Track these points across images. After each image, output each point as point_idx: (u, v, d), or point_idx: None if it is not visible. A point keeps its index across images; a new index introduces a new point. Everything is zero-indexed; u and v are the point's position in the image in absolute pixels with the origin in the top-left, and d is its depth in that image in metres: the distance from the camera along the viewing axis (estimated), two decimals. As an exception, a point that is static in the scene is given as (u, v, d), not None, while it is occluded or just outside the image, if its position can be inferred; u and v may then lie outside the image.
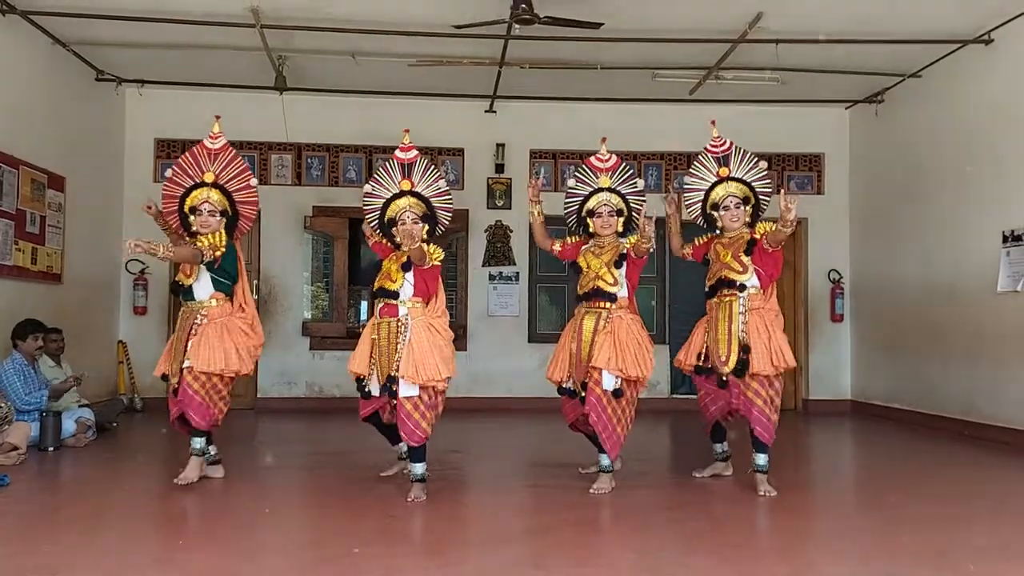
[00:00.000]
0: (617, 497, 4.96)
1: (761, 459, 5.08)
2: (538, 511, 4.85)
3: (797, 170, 10.09)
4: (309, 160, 9.77)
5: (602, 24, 6.79)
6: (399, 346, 4.82)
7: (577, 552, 3.91)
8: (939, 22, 7.34)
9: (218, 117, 5.50)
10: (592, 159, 5.45)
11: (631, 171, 5.44)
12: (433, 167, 5.18)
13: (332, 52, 8.19)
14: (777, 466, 5.32)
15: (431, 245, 4.94)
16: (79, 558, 3.69)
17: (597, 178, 5.36)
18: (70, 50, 8.14)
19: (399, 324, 4.87)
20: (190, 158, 5.33)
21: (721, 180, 5.29)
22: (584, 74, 8.68)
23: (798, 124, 9.93)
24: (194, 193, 5.24)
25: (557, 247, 5.46)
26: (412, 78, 8.73)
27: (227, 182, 5.30)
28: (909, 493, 5.27)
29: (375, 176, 5.16)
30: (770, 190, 5.35)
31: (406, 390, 4.78)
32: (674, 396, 9.80)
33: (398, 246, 5.01)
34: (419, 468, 4.86)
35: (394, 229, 5.00)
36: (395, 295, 4.89)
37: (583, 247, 5.36)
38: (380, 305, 4.95)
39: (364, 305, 10.24)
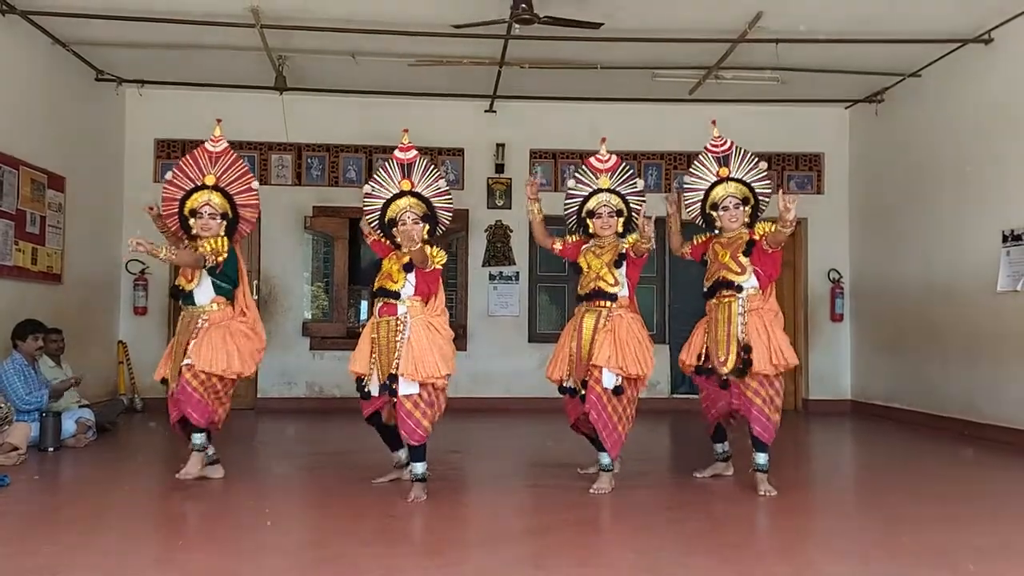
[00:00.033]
0: (617, 497, 4.96)
1: (761, 458, 5.08)
2: (538, 511, 4.85)
3: (797, 170, 10.09)
4: (309, 160, 9.77)
5: (602, 24, 6.79)
6: (398, 344, 4.82)
7: (577, 552, 3.91)
8: (939, 22, 7.34)
9: (219, 120, 5.51)
10: (592, 159, 5.45)
11: (631, 171, 5.44)
12: (433, 167, 5.18)
13: (332, 52, 8.19)
14: (777, 466, 5.32)
15: (434, 248, 4.94)
16: (79, 558, 3.69)
17: (597, 179, 5.36)
18: (70, 50, 8.14)
19: (398, 322, 4.87)
20: (191, 160, 5.33)
21: (721, 180, 5.29)
22: (584, 74, 8.68)
23: (798, 124, 9.93)
24: (195, 195, 5.24)
25: (558, 246, 5.46)
26: (412, 78, 8.73)
27: (228, 185, 5.30)
28: (909, 493, 5.27)
29: (375, 176, 5.15)
30: (770, 191, 5.35)
31: (405, 388, 4.78)
32: (674, 396, 9.80)
33: (398, 246, 5.01)
34: (420, 467, 4.86)
35: (395, 229, 4.99)
36: (396, 295, 4.89)
37: (583, 247, 5.36)
38: (379, 304, 4.95)
39: (364, 305, 10.24)
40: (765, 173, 5.36)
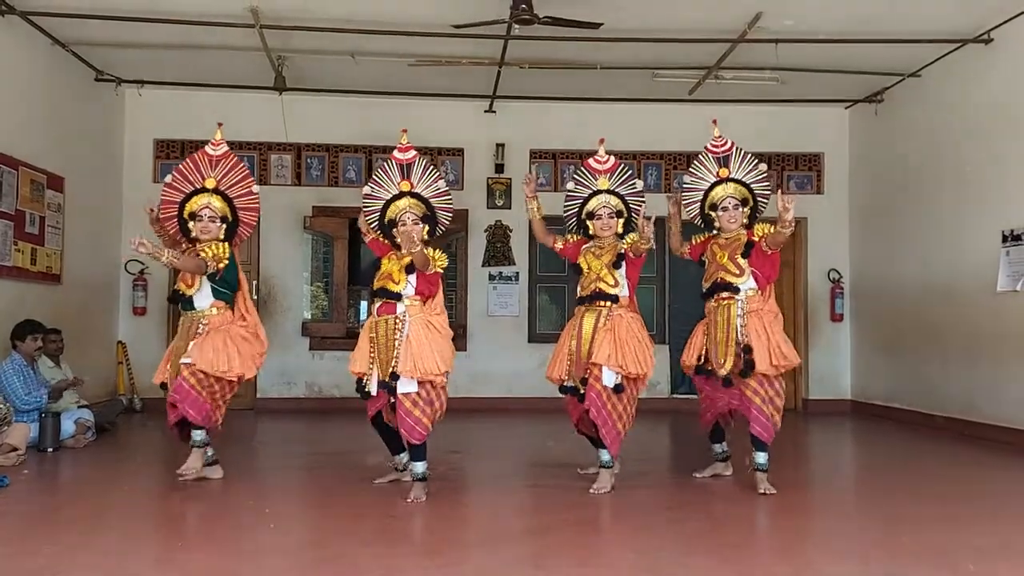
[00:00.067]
0: (617, 497, 4.95)
1: (761, 457, 5.08)
2: (538, 511, 4.85)
3: (797, 170, 10.09)
4: (309, 160, 9.76)
5: (601, 24, 6.79)
6: (397, 343, 4.82)
7: (577, 552, 3.91)
8: (939, 21, 7.34)
9: (220, 124, 5.51)
10: (590, 161, 5.45)
11: (630, 172, 5.44)
12: (432, 167, 5.18)
13: (331, 52, 8.19)
14: (777, 465, 5.31)
15: (436, 251, 4.94)
16: (79, 558, 3.69)
17: (596, 180, 5.36)
18: (69, 51, 8.14)
19: (397, 321, 4.87)
20: (191, 164, 5.33)
21: (721, 181, 5.29)
22: (584, 74, 8.68)
23: (798, 124, 9.93)
24: (195, 199, 5.23)
25: (559, 244, 5.47)
26: (412, 78, 8.73)
27: (229, 188, 5.30)
28: (909, 493, 5.27)
29: (374, 177, 5.15)
30: (769, 192, 5.36)
31: (404, 386, 4.78)
32: (674, 396, 9.80)
33: (398, 246, 5.01)
34: (420, 467, 4.86)
35: (395, 230, 4.99)
36: (398, 297, 4.88)
37: (584, 246, 5.36)
38: (378, 304, 4.95)
39: (364, 305, 10.24)
40: (765, 174, 5.37)
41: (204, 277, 5.16)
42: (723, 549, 3.93)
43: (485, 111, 9.73)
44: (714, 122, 5.53)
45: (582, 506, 4.79)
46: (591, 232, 5.33)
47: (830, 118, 10.00)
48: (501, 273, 9.87)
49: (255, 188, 5.43)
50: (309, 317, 10.00)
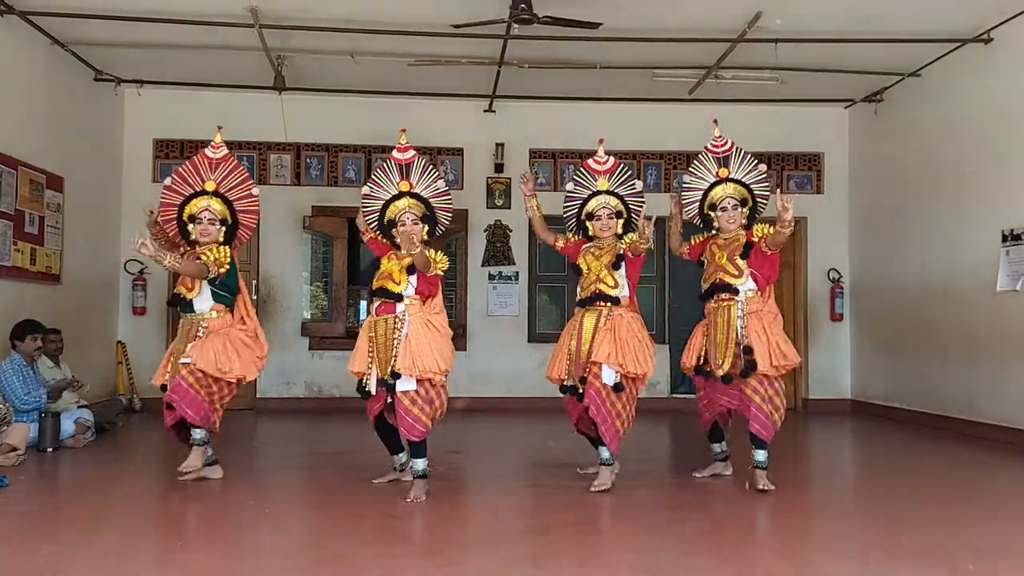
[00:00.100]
0: (617, 497, 4.95)
1: (760, 455, 5.10)
2: (538, 511, 4.85)
3: (796, 169, 10.09)
4: (308, 160, 9.76)
5: (601, 24, 6.79)
6: (396, 342, 4.82)
7: (577, 552, 3.91)
8: (938, 21, 7.34)
9: (220, 128, 5.51)
10: (590, 161, 5.45)
11: (629, 172, 5.44)
12: (432, 167, 5.18)
13: (331, 52, 8.18)
14: (777, 465, 5.32)
15: (437, 253, 4.94)
16: (79, 558, 3.69)
17: (595, 180, 5.36)
18: (68, 50, 8.13)
19: (396, 320, 4.87)
20: (190, 166, 5.33)
21: (720, 181, 5.30)
22: (583, 74, 8.68)
23: (797, 123, 9.93)
24: (194, 201, 5.23)
25: (560, 243, 5.48)
26: (411, 78, 8.73)
27: (228, 191, 5.29)
28: (909, 493, 5.27)
29: (373, 177, 5.15)
30: (768, 193, 5.36)
31: (403, 384, 4.79)
32: (674, 396, 9.80)
33: (397, 246, 5.01)
34: (420, 464, 4.86)
35: (394, 230, 4.99)
36: (399, 297, 4.88)
37: (584, 247, 5.36)
38: (377, 303, 4.94)
39: (363, 305, 10.24)
40: (764, 175, 5.37)
41: (204, 280, 5.16)
42: (723, 549, 3.93)
43: (485, 111, 9.73)
44: (714, 122, 5.54)
45: (582, 506, 4.80)
46: (590, 233, 5.33)
47: (830, 118, 10.00)
48: (501, 273, 9.87)
49: (255, 191, 5.43)
50: (309, 317, 10.00)
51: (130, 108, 9.46)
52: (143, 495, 5.16)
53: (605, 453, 5.13)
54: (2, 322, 6.83)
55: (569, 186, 5.48)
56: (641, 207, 5.39)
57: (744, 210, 5.25)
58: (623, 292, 5.20)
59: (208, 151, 5.35)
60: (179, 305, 5.27)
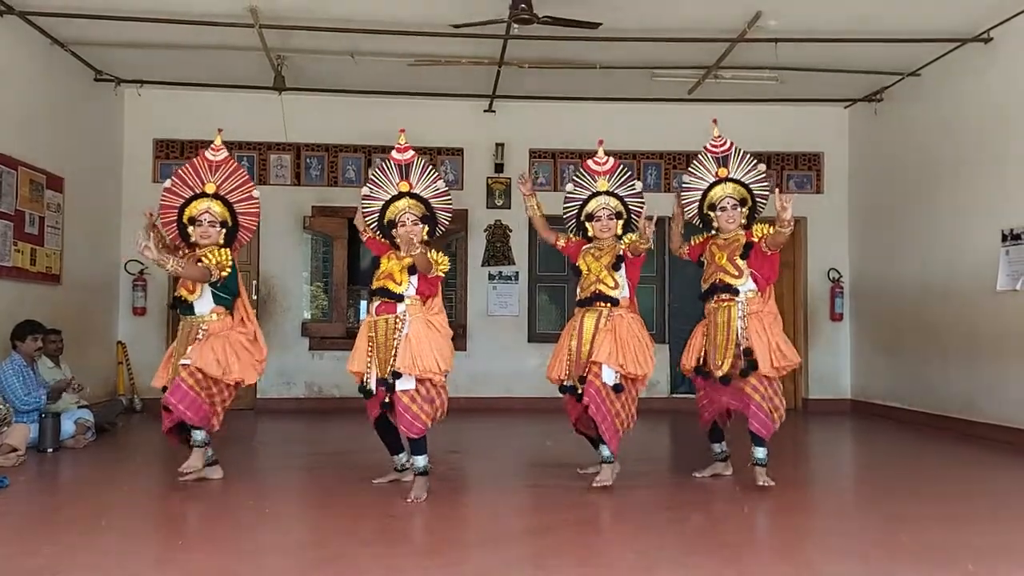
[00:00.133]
0: (617, 497, 4.96)
1: (760, 452, 5.13)
2: (538, 511, 4.85)
3: (796, 169, 10.09)
4: (308, 160, 9.76)
5: (600, 24, 6.79)
6: (396, 342, 4.82)
7: (577, 552, 3.91)
8: (938, 21, 7.34)
9: (220, 130, 5.52)
10: (589, 162, 5.46)
11: (628, 173, 5.45)
12: (431, 167, 5.18)
13: (331, 52, 8.18)
14: (777, 464, 5.33)
15: (438, 254, 4.94)
16: (79, 558, 3.69)
17: (595, 181, 5.37)
18: (68, 50, 8.14)
19: (397, 320, 4.87)
20: (190, 169, 5.32)
21: (719, 181, 5.30)
22: (583, 74, 8.68)
23: (797, 123, 9.93)
24: (194, 203, 5.23)
25: (561, 242, 5.48)
26: (411, 78, 8.73)
27: (229, 193, 5.29)
28: (909, 492, 5.27)
29: (371, 178, 5.15)
30: (768, 193, 5.36)
31: (403, 383, 4.79)
32: (674, 396, 9.80)
33: (398, 246, 5.01)
34: (421, 461, 4.86)
35: (394, 231, 4.99)
36: (399, 297, 4.88)
37: (584, 247, 5.37)
38: (377, 303, 4.94)
39: (363, 305, 10.24)
40: (763, 175, 5.38)
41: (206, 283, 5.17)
42: (723, 549, 3.93)
43: (484, 111, 9.73)
44: (714, 122, 5.54)
45: (582, 506, 4.80)
46: (590, 234, 5.34)
47: (830, 117, 10.00)
48: (501, 273, 9.87)
49: (255, 193, 5.43)
50: (309, 317, 10.00)
51: (130, 108, 9.46)
52: (143, 495, 5.17)
53: (606, 451, 5.14)
54: (2, 322, 6.83)
55: (569, 187, 5.49)
56: (641, 208, 5.40)
57: (744, 210, 5.26)
58: (623, 293, 5.21)
59: (208, 153, 5.35)
60: (180, 307, 5.27)
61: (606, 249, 5.27)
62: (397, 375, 4.77)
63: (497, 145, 9.80)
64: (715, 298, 5.21)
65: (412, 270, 4.87)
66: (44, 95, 7.86)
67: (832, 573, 3.64)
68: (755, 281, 5.15)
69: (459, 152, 9.89)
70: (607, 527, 4.59)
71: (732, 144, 5.37)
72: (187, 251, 5.27)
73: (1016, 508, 4.94)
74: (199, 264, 5.09)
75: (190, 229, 5.22)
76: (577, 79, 8.86)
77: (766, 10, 7.04)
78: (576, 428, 5.50)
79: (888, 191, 9.18)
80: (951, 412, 7.92)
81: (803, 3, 7.03)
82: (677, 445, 7.83)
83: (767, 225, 5.16)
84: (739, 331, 5.09)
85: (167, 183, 5.37)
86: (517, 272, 9.88)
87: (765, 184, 5.37)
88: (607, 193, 5.32)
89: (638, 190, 5.43)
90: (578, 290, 5.34)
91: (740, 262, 5.14)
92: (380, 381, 4.86)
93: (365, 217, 5.13)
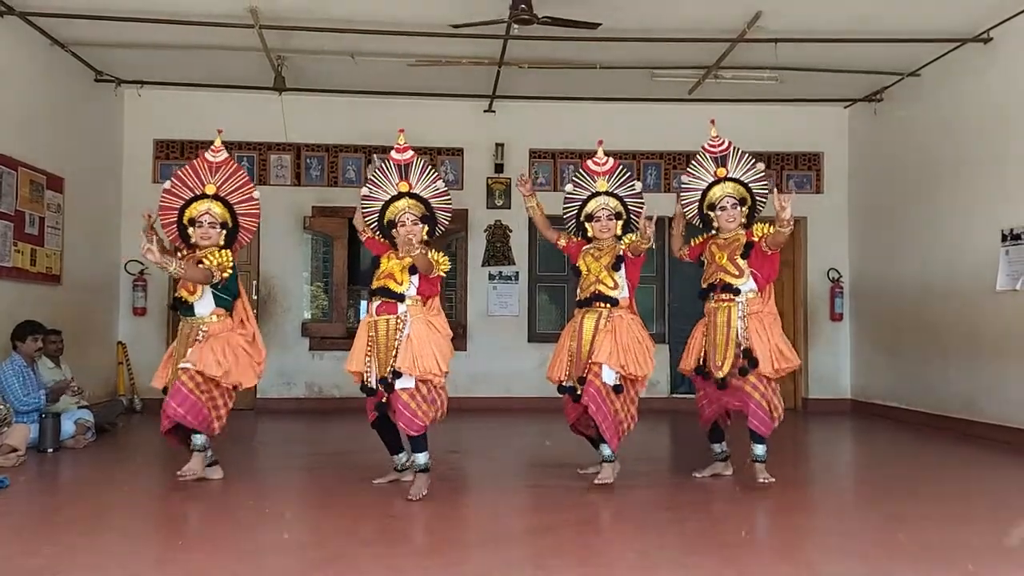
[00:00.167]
0: (617, 497, 4.96)
1: (759, 449, 5.15)
2: (538, 511, 4.85)
3: (796, 169, 10.09)
4: (308, 160, 9.76)
5: (600, 24, 6.79)
6: (397, 343, 4.82)
7: (577, 552, 3.91)
8: (938, 21, 7.34)
9: (220, 131, 5.52)
10: (589, 163, 5.47)
11: (628, 174, 5.45)
12: (431, 167, 5.19)
13: (331, 52, 8.18)
14: (777, 463, 5.33)
15: (439, 254, 4.95)
16: (79, 558, 3.69)
17: (594, 182, 5.37)
18: (68, 51, 8.14)
19: (398, 321, 4.87)
20: (190, 170, 5.33)
21: (718, 180, 5.31)
22: (583, 74, 8.68)
23: (797, 123, 9.93)
24: (194, 204, 5.23)
25: (563, 241, 5.49)
26: (411, 78, 8.73)
27: (229, 194, 5.29)
28: (908, 492, 5.27)
29: (371, 178, 5.16)
30: (767, 191, 5.37)
31: (402, 382, 4.79)
32: (674, 396, 9.80)
33: (396, 246, 5.02)
34: (422, 458, 4.87)
35: (394, 231, 4.99)
36: (400, 297, 4.88)
37: (584, 248, 5.37)
38: (377, 303, 4.95)
39: (363, 305, 10.22)
40: (762, 173, 5.38)
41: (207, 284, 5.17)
42: (723, 549, 3.93)
43: (484, 111, 9.73)
44: (712, 122, 5.54)
45: (582, 506, 4.80)
46: (590, 234, 5.34)
47: (829, 117, 10.00)
48: (501, 273, 9.87)
49: (256, 194, 5.43)
50: (309, 317, 10.00)
51: (130, 109, 9.45)
52: (143, 495, 5.17)
53: (607, 451, 5.15)
54: (3, 323, 6.83)
55: (568, 187, 5.50)
56: (640, 208, 5.40)
57: (743, 209, 5.26)
58: (622, 293, 5.21)
59: (208, 155, 5.36)
60: (180, 308, 5.27)
61: (606, 249, 5.27)
62: (397, 374, 4.77)
63: (497, 145, 9.80)
64: (715, 297, 5.21)
65: (413, 270, 4.88)
66: (44, 95, 7.86)
67: (832, 573, 3.64)
68: (755, 281, 5.16)
69: (459, 152, 9.89)
70: (607, 527, 4.59)
71: (730, 143, 5.38)
72: (187, 252, 5.27)
73: (1016, 508, 4.93)
74: (200, 265, 5.09)
75: (190, 230, 5.22)
76: (577, 79, 8.86)
77: (767, 10, 7.04)
78: (574, 428, 5.50)
79: (888, 191, 9.18)
80: (951, 412, 7.92)
81: (803, 3, 7.03)
82: (677, 445, 7.83)
83: (767, 224, 5.16)
84: (739, 331, 5.10)
85: (167, 184, 5.36)
86: (517, 272, 9.88)
87: (764, 183, 5.38)
88: (607, 193, 5.33)
89: (638, 190, 5.43)
90: (578, 290, 5.34)
91: (741, 262, 5.15)
92: (379, 380, 4.86)
93: (365, 217, 5.13)
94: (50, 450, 6.31)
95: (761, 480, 5.05)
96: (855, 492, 5.74)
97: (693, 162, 5.46)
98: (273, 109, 9.04)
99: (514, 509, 4.92)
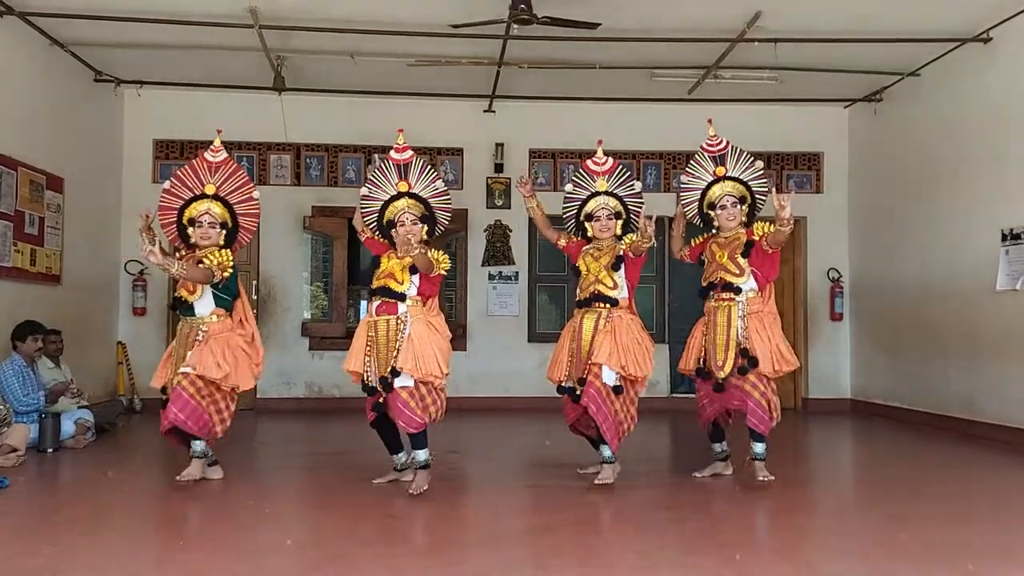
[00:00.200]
0: (617, 497, 4.96)
1: (759, 447, 5.16)
2: (538, 511, 4.85)
3: (796, 169, 10.09)
4: (308, 160, 9.76)
5: (600, 24, 6.78)
6: (398, 343, 4.82)
7: (577, 552, 3.91)
8: (938, 20, 7.34)
9: (220, 131, 5.52)
10: (588, 162, 5.47)
11: (628, 173, 5.45)
12: (430, 167, 5.19)
13: (331, 52, 8.19)
14: (777, 463, 5.33)
15: (440, 253, 4.95)
16: (79, 558, 3.69)
17: (594, 181, 5.37)
18: (68, 51, 8.13)
19: (399, 321, 4.87)
20: (190, 170, 5.32)
21: (718, 179, 5.31)
22: (583, 74, 8.68)
23: (797, 123, 9.93)
24: (194, 204, 5.23)
25: (563, 241, 5.49)
26: (411, 78, 8.73)
27: (229, 194, 5.29)
28: (908, 492, 5.27)
29: (370, 178, 5.16)
30: (766, 190, 5.37)
31: (401, 380, 4.80)
32: (674, 396, 9.80)
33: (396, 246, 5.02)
34: (422, 455, 4.88)
35: (394, 231, 4.99)
36: (401, 296, 4.88)
37: (584, 248, 5.38)
38: (377, 303, 4.94)
39: (363, 305, 10.23)
40: (761, 172, 5.38)
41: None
42: (723, 549, 3.92)
43: (484, 111, 9.73)
44: (709, 121, 5.54)
45: (582, 506, 4.80)
46: (590, 234, 5.34)
47: (829, 117, 10.00)
48: (501, 273, 9.87)
49: (255, 194, 5.43)
50: (309, 317, 10.00)
51: (130, 109, 9.45)
52: (143, 495, 5.16)
53: (607, 451, 5.15)
54: (2, 323, 6.83)
55: (568, 187, 5.50)
56: (640, 208, 5.40)
57: (743, 207, 5.26)
58: (622, 293, 5.21)
59: (208, 155, 5.35)
60: (180, 308, 5.27)
61: (605, 249, 5.27)
62: (396, 373, 4.77)
63: (497, 145, 9.80)
64: (715, 296, 5.21)
65: (413, 269, 4.88)
66: (44, 95, 7.86)
67: (832, 573, 3.64)
68: (755, 280, 5.16)
69: (459, 152, 9.89)
70: (607, 527, 4.59)
71: (728, 143, 5.38)
72: (186, 252, 5.27)
73: (1016, 508, 4.94)
74: (201, 265, 5.09)
75: (190, 230, 5.22)
76: (577, 79, 8.86)
77: (767, 10, 7.04)
78: (574, 428, 5.50)
79: (888, 191, 9.18)
80: (951, 412, 7.92)
81: (803, 3, 7.03)
82: (677, 445, 7.83)
83: (767, 223, 5.16)
84: (739, 331, 5.10)
85: (166, 184, 5.36)
86: (517, 272, 9.88)
87: (763, 181, 5.38)
88: (606, 193, 5.33)
89: (637, 190, 5.44)
90: (577, 291, 5.35)
91: (741, 260, 5.15)
92: (380, 379, 4.86)
93: (364, 217, 5.13)
94: (50, 450, 6.31)
95: (760, 478, 5.07)
96: (855, 492, 5.74)
97: (692, 162, 5.46)
98: (273, 109, 9.04)
99: (514, 509, 4.91)
